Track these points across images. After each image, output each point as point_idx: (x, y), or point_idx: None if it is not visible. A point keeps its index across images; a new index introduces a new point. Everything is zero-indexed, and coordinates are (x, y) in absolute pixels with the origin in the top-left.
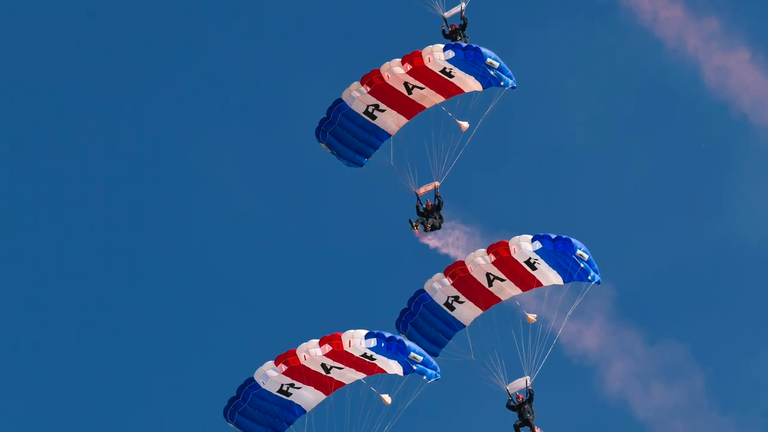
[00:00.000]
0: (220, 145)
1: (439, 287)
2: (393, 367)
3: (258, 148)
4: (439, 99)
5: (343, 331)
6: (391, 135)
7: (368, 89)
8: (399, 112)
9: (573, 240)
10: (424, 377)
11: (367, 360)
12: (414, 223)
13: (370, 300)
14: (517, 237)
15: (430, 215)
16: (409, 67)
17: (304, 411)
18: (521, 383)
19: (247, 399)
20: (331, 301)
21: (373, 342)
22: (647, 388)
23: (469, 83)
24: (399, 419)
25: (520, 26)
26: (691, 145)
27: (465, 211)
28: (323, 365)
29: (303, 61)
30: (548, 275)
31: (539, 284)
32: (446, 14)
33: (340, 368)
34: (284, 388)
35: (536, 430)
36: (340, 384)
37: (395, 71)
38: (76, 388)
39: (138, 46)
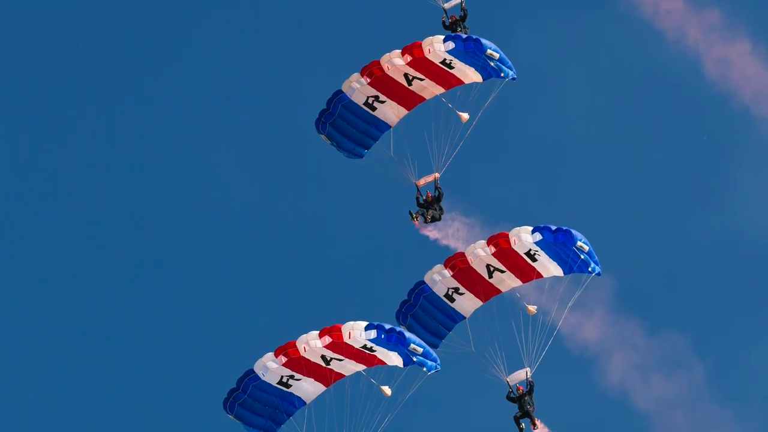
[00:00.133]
0: (219, 136)
1: (440, 279)
2: (393, 358)
3: (258, 140)
4: (439, 90)
5: (343, 322)
6: (391, 126)
7: (368, 80)
8: (399, 103)
9: (573, 231)
10: (424, 369)
11: (367, 351)
12: (414, 215)
13: (370, 291)
14: (518, 228)
15: (431, 206)
16: (409, 58)
17: (304, 403)
18: (521, 375)
19: (247, 391)
20: (331, 293)
21: (373, 333)
22: (648, 380)
23: (469, 74)
24: (399, 411)
25: (520, 17)
26: (692, 137)
27: (465, 203)
28: (323, 357)
29: (303, 52)
30: (548, 267)
31: (539, 276)
32: (446, 5)
33: (340, 360)
34: (284, 379)
35: (536, 421)
36: (340, 376)
37: (395, 62)
38: (77, 379)
39: (137, 37)
